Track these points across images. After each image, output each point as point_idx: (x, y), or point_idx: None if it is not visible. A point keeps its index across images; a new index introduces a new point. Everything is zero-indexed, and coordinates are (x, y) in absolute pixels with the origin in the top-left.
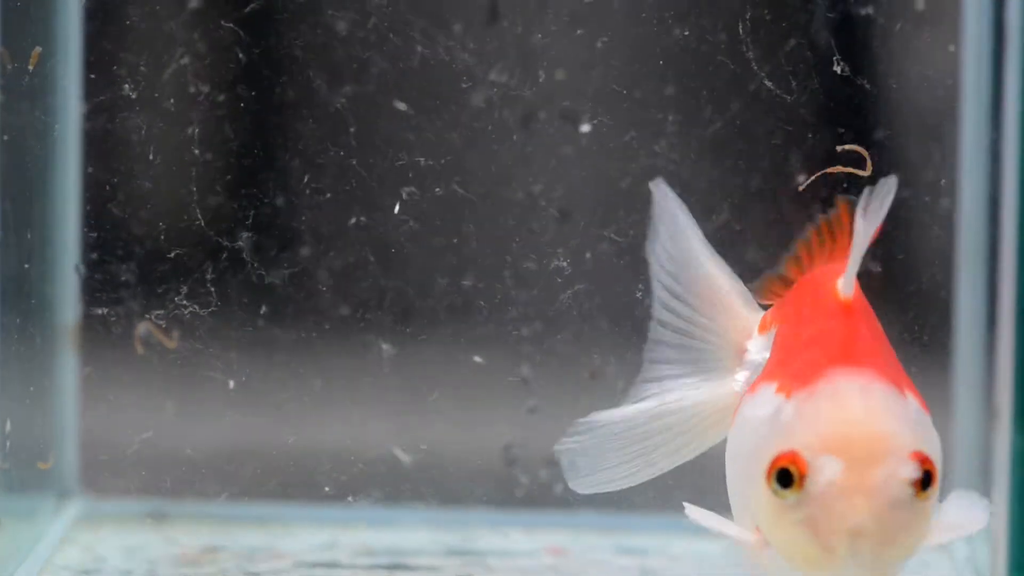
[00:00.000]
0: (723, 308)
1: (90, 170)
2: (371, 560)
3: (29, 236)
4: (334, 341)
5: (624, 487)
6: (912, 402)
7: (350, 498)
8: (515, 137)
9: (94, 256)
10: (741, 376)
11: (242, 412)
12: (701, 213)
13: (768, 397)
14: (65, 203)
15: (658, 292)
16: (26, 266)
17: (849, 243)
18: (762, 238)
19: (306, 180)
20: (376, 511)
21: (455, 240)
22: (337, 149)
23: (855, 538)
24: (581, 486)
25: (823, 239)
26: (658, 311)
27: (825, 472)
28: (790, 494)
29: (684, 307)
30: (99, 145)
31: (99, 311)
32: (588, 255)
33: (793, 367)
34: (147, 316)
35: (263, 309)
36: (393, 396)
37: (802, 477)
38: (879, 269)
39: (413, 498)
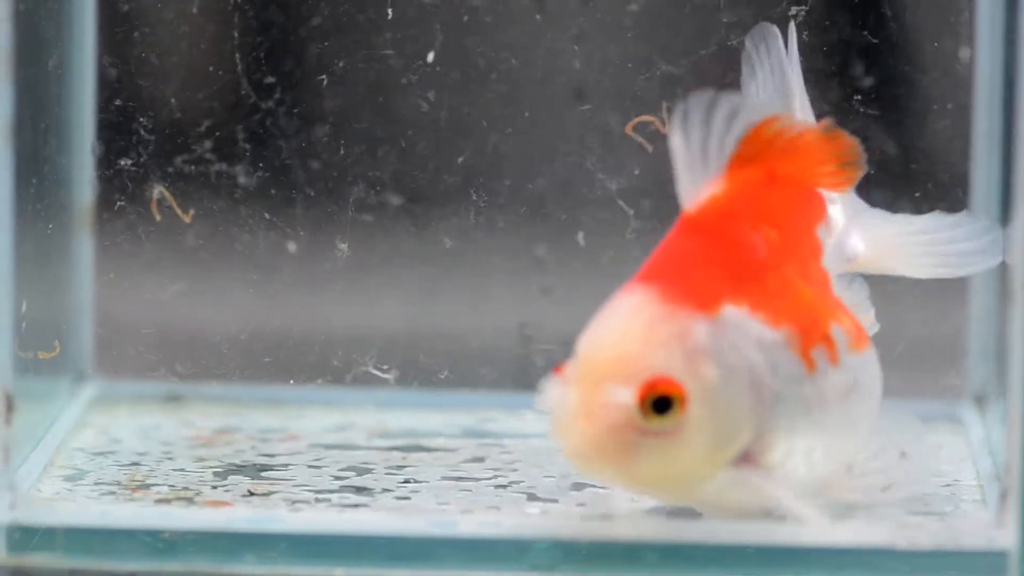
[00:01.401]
0: None
1: (105, 47)
2: (387, 442)
3: (44, 116)
4: (350, 221)
5: None
6: (701, 325)
7: (370, 369)
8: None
9: (109, 136)
10: None
11: (257, 295)
12: None
13: None
14: (80, 83)
15: None
16: (41, 146)
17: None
18: None
19: (328, 59)
20: (391, 393)
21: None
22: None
23: (580, 460)
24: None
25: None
26: None
27: (550, 395)
28: (545, 408)
29: None
30: (114, 25)
31: (114, 191)
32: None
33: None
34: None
35: (278, 192)
36: (408, 277)
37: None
38: (897, 158)
39: (428, 380)
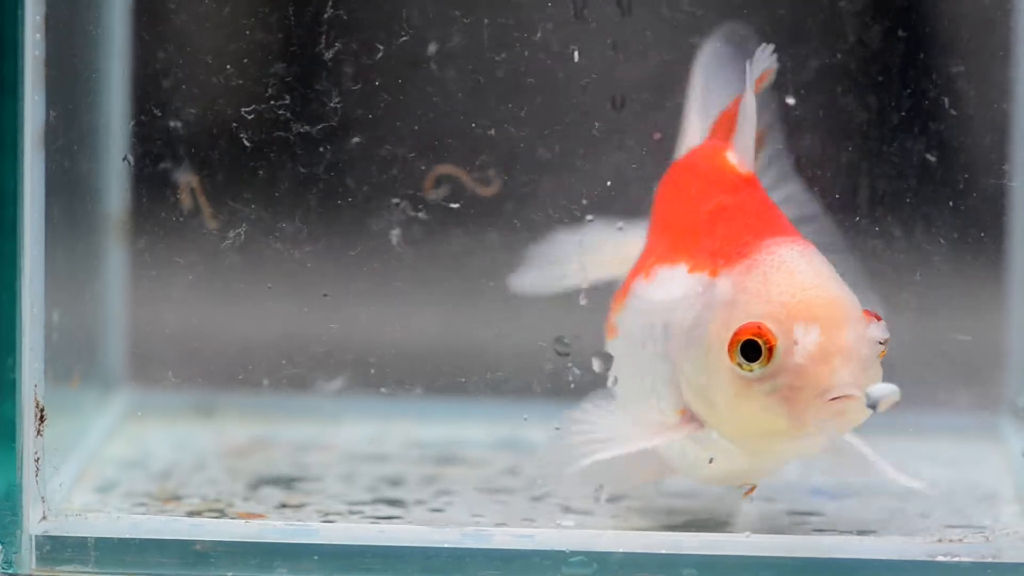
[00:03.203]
0: None
1: (139, 55)
2: (420, 452)
3: (77, 125)
4: (388, 229)
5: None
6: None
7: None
8: None
9: (142, 145)
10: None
11: (290, 303)
12: None
13: (679, 278)
14: (113, 92)
15: None
16: (74, 155)
17: (722, 124)
18: None
19: (355, 75)
20: (425, 403)
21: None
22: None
23: (833, 402)
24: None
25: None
26: None
27: (798, 340)
28: (757, 367)
29: None
30: (148, 33)
31: (147, 201)
32: None
33: (707, 245)
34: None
35: (310, 200)
36: (443, 286)
37: (770, 348)
38: (934, 160)
39: (462, 390)
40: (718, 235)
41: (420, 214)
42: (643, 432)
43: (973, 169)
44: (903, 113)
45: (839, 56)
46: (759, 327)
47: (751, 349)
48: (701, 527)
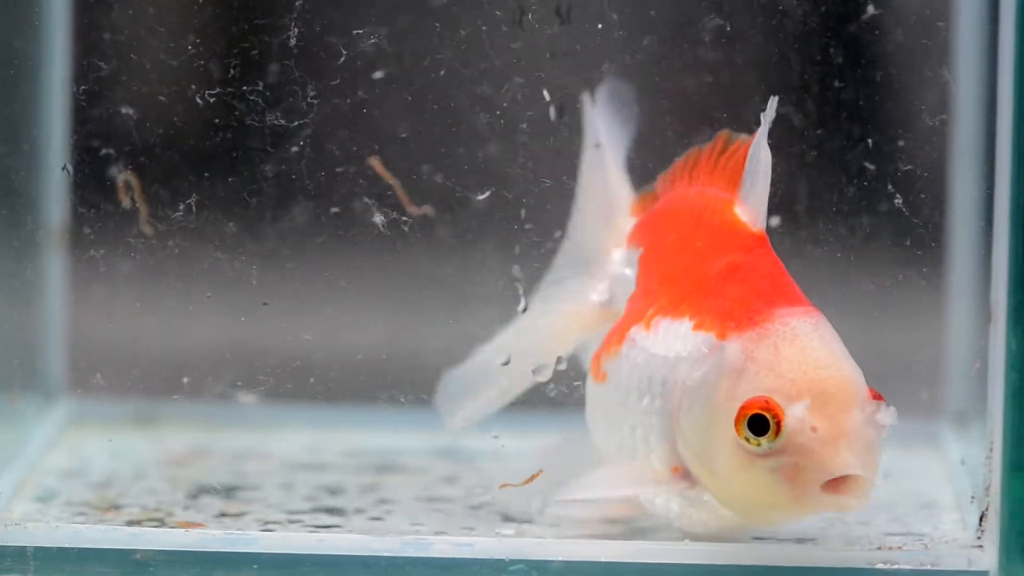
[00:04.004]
0: (605, 211)
1: (78, 64)
2: (358, 461)
3: (14, 135)
4: (324, 239)
5: (498, 408)
6: None
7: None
8: None
9: (82, 156)
10: (601, 285)
11: (229, 312)
12: None
13: (683, 334)
14: (52, 102)
15: None
16: (12, 165)
17: (725, 167)
18: None
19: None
20: (363, 411)
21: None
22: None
23: (835, 482)
24: (457, 424)
25: (693, 164)
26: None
27: (806, 419)
28: (764, 441)
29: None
30: (89, 42)
31: (85, 210)
32: None
33: (715, 304)
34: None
35: (249, 208)
36: (382, 295)
37: (778, 424)
38: (872, 168)
39: (400, 399)
40: (728, 296)
41: (361, 222)
42: (633, 480)
43: (912, 175)
44: (842, 119)
45: (773, 61)
46: (767, 402)
47: (759, 423)
48: (640, 535)
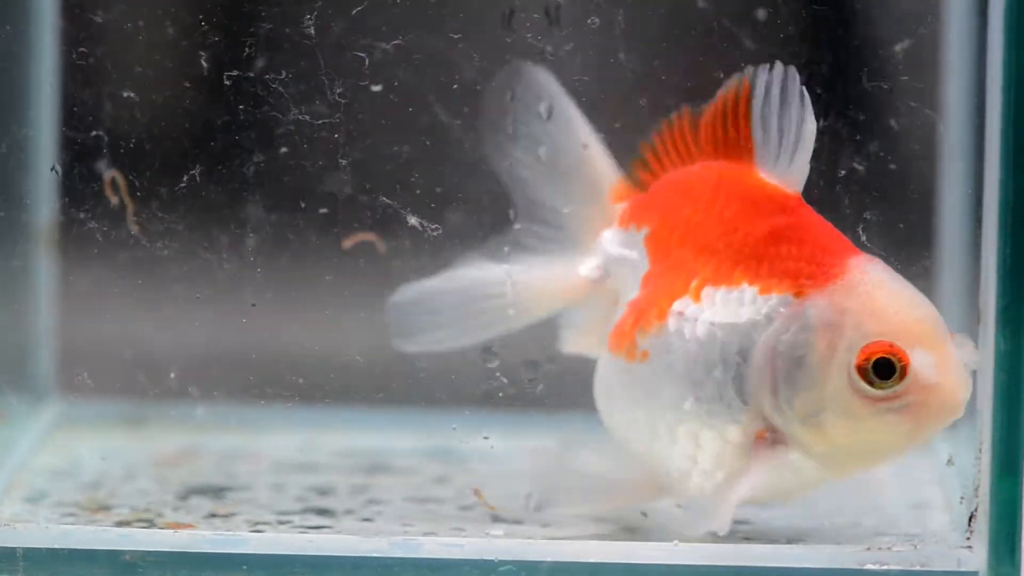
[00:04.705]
0: (591, 192)
1: (69, 67)
2: (349, 462)
3: (4, 135)
4: (313, 240)
5: (448, 348)
6: None
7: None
8: None
9: (70, 155)
10: (591, 262)
11: (219, 313)
12: None
13: (749, 300)
14: (41, 101)
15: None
16: (1, 165)
17: (739, 135)
18: None
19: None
20: (355, 413)
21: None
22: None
23: (950, 415)
24: (406, 345)
25: (670, 144)
26: (531, 186)
27: (927, 357)
28: (890, 384)
29: (552, 186)
30: (78, 43)
31: (76, 210)
32: None
33: (775, 266)
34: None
35: (239, 211)
36: (372, 294)
37: (904, 366)
38: (862, 168)
39: (392, 399)
40: (787, 256)
41: (351, 224)
42: (738, 464)
43: (900, 177)
44: (830, 120)
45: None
46: (891, 346)
47: (884, 367)
48: (630, 536)
